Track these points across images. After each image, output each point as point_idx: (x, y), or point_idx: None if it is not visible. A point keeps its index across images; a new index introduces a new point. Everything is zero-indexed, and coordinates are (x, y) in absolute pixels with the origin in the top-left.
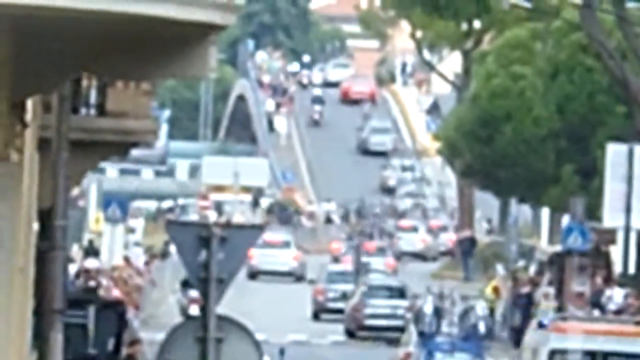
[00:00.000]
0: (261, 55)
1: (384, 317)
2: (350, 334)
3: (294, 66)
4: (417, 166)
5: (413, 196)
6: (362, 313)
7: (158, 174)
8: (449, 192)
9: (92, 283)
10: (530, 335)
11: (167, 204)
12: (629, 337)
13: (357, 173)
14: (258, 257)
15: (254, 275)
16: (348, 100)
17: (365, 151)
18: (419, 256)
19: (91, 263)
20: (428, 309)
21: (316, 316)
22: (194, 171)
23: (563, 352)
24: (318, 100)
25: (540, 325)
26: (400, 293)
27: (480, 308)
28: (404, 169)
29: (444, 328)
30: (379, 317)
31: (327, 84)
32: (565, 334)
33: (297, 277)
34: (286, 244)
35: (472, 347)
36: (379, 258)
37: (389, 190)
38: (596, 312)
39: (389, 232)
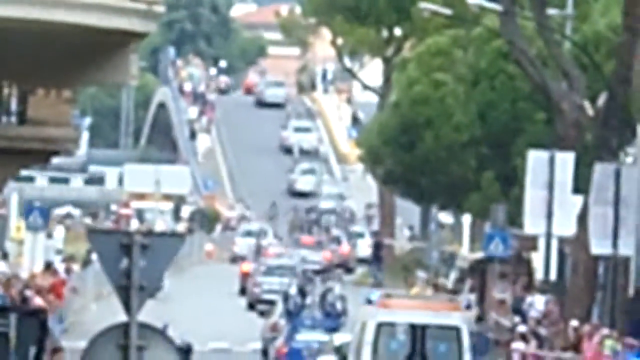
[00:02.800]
0: (181, 63)
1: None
2: (250, 306)
3: (212, 71)
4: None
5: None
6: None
7: (87, 182)
8: (367, 199)
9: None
10: (360, 311)
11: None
12: (444, 311)
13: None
14: None
15: None
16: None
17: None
18: (341, 266)
19: None
20: (293, 289)
21: (251, 306)
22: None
23: (388, 324)
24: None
25: (369, 302)
26: (291, 272)
27: (338, 289)
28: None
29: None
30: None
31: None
32: (390, 308)
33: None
34: None
35: (330, 324)
36: (317, 252)
37: (299, 194)
38: (517, 319)
39: (326, 227)
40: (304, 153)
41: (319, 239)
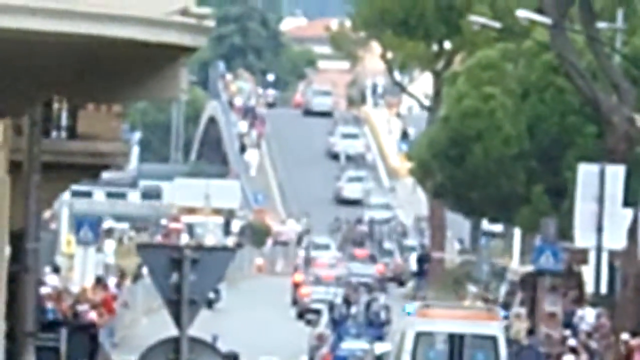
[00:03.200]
0: (231, 77)
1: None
2: (300, 315)
3: (261, 85)
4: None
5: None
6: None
7: (144, 196)
8: (417, 212)
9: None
10: (400, 321)
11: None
12: (481, 320)
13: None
14: None
15: None
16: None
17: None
18: (393, 279)
19: (51, 280)
20: (338, 299)
21: (301, 316)
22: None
23: (427, 334)
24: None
25: (408, 314)
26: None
27: (382, 299)
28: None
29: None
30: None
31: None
32: (428, 318)
33: None
34: None
35: (374, 333)
36: (370, 265)
37: (346, 202)
38: (568, 332)
39: (379, 240)
40: (350, 159)
41: (372, 252)
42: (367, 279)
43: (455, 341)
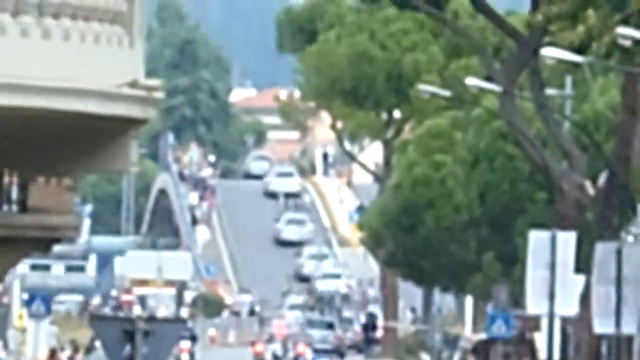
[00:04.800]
0: (181, 149)
1: None
2: None
3: (211, 158)
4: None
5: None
6: None
7: (99, 269)
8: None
9: None
10: None
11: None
12: None
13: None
14: None
15: None
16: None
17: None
18: (353, 347)
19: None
20: (269, 355)
21: None
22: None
23: None
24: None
25: None
26: None
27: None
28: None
29: None
30: None
31: (248, 176)
32: None
33: None
34: None
35: None
36: (329, 331)
37: (303, 279)
38: None
39: (338, 309)
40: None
41: (331, 319)
42: (326, 345)
43: None
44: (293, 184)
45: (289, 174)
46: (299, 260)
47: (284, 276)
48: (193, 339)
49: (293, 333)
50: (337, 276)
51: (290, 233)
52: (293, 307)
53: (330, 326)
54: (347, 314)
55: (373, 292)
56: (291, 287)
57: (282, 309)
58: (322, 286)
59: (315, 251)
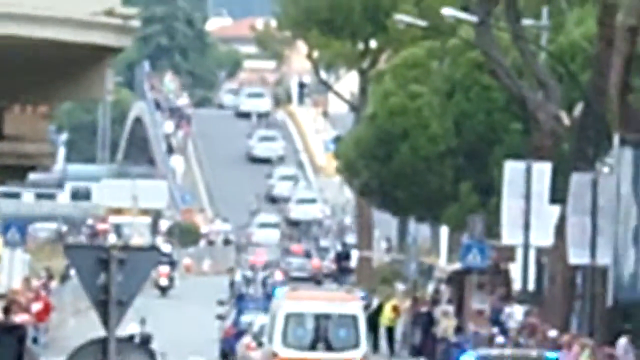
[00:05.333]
0: (157, 77)
1: None
2: None
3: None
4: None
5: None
6: None
7: (73, 197)
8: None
9: None
10: (272, 303)
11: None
12: (343, 301)
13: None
14: None
15: None
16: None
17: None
18: (311, 279)
19: None
20: (238, 276)
21: None
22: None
23: (295, 314)
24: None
25: (278, 298)
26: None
27: (277, 275)
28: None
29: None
30: None
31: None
32: (296, 300)
33: None
34: None
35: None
36: (306, 259)
37: (274, 200)
38: (495, 329)
39: (315, 237)
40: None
41: (307, 247)
42: (303, 273)
43: (320, 320)
44: (263, 104)
45: (260, 95)
46: (269, 181)
47: (253, 195)
48: (172, 264)
49: (271, 260)
50: (313, 201)
51: (262, 150)
52: (263, 225)
53: (307, 255)
54: (324, 243)
55: (349, 220)
56: (260, 206)
57: (251, 227)
58: (298, 212)
59: (287, 172)
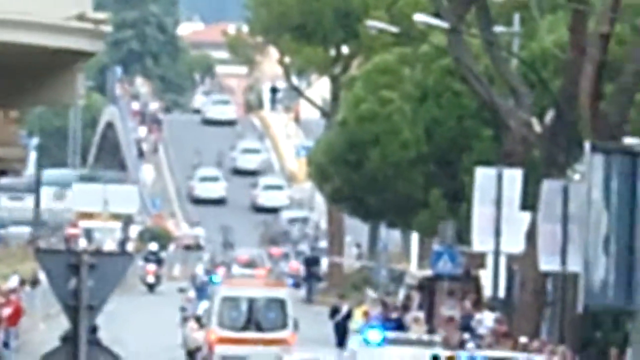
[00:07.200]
0: (128, 82)
1: None
2: None
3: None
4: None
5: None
6: None
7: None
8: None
9: None
10: (211, 289)
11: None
12: (274, 287)
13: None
14: None
15: None
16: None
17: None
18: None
19: None
20: (200, 270)
21: None
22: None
23: (230, 298)
24: None
25: (215, 284)
26: None
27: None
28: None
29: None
30: None
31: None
32: (231, 286)
33: None
34: None
35: None
36: (284, 262)
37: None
38: (466, 336)
39: (294, 241)
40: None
41: (286, 250)
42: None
43: (252, 303)
44: (229, 111)
45: (225, 102)
46: (254, 191)
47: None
48: (159, 262)
49: (254, 259)
50: (279, 187)
51: (244, 162)
52: (204, 179)
53: (285, 257)
54: (302, 246)
55: (324, 225)
56: (201, 160)
57: (193, 180)
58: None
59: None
